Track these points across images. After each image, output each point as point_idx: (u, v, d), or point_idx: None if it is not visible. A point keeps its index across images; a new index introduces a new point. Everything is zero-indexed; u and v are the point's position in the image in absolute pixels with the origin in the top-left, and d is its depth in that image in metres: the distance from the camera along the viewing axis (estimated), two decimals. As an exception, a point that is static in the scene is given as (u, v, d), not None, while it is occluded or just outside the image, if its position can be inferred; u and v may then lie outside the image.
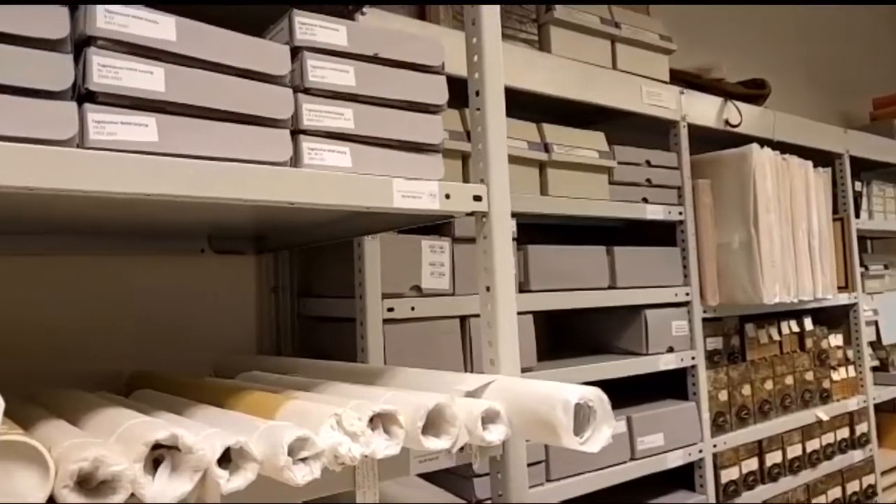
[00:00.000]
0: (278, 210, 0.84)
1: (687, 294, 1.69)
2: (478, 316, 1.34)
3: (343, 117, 0.75)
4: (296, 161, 0.72)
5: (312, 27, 0.74)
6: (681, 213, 1.69)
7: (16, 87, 0.56)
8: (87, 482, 0.52)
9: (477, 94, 0.85)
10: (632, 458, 1.51)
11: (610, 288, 1.54)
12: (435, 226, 1.18)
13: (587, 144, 1.52)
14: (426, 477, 1.23)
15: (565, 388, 0.70)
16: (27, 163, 0.54)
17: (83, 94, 0.60)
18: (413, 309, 1.22)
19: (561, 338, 1.84)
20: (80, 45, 0.61)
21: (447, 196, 0.81)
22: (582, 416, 0.69)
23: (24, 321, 1.08)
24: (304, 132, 0.73)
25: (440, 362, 1.26)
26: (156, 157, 0.61)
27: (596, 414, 0.69)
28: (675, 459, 1.58)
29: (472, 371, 1.31)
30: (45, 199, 0.67)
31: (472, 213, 0.84)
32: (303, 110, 0.72)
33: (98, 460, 0.51)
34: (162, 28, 0.63)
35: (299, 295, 1.40)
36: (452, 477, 1.30)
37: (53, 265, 1.12)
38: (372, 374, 0.90)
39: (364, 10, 1.14)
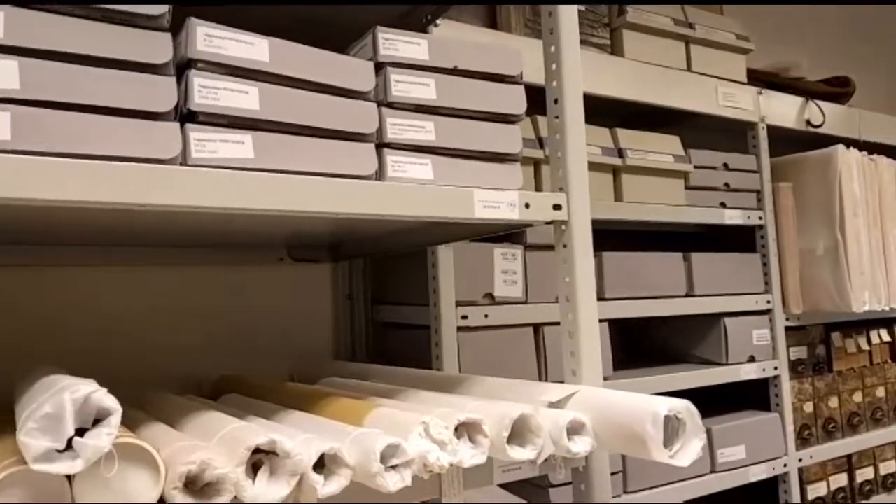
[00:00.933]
0: (356, 220, 0.86)
1: (768, 302, 1.63)
2: (552, 324, 1.34)
3: (424, 130, 0.76)
4: (380, 174, 0.74)
5: (395, 42, 0.76)
6: (761, 218, 1.64)
7: (125, 109, 0.59)
8: (193, 484, 0.55)
9: (556, 102, 0.85)
10: (712, 471, 1.47)
11: (687, 296, 1.51)
12: (507, 234, 1.19)
13: (662, 148, 1.49)
14: (502, 486, 1.23)
15: (654, 401, 0.69)
16: (138, 181, 0.57)
17: (185, 115, 0.63)
18: (486, 317, 1.23)
19: (634, 346, 1.81)
20: (182, 67, 0.64)
21: (527, 205, 0.81)
22: (671, 429, 0.68)
23: (117, 328, 1.14)
24: (388, 145, 0.74)
25: (514, 370, 1.26)
26: (253, 172, 0.63)
27: (685, 426, 0.68)
28: (757, 473, 1.53)
29: (546, 380, 1.31)
30: (148, 214, 0.71)
31: (551, 222, 0.84)
32: (386, 124, 0.74)
33: (205, 463, 0.54)
34: (256, 49, 0.66)
35: (373, 302, 1.42)
36: (527, 486, 1.29)
37: (143, 275, 1.18)
38: (450, 382, 0.91)
39: (437, 21, 1.15)
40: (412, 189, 0.73)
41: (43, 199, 0.53)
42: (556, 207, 0.83)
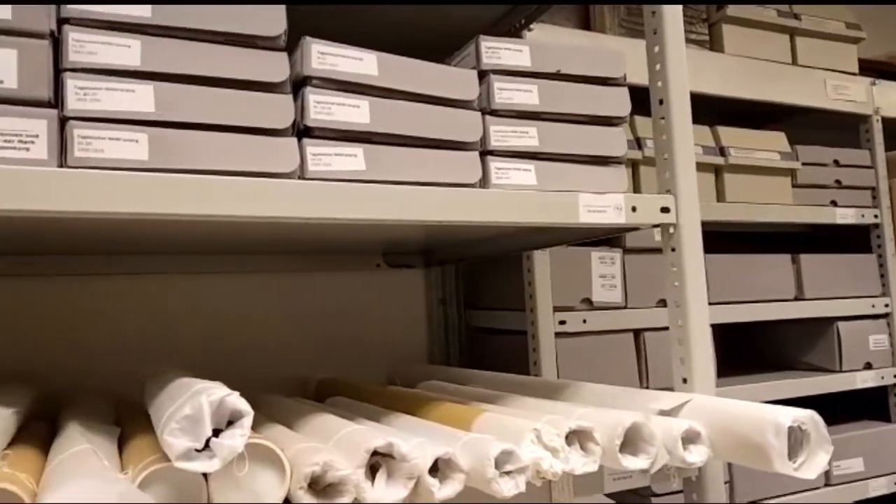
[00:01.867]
0: (458, 227, 0.87)
1: (886, 305, 1.53)
2: (653, 329, 1.31)
3: (528, 135, 0.77)
4: (484, 181, 0.74)
5: (498, 51, 0.76)
6: (876, 216, 1.54)
7: (248, 127, 0.63)
8: (315, 484, 0.57)
9: (661, 102, 0.83)
10: (826, 484, 1.39)
11: (796, 299, 1.44)
12: (604, 238, 1.17)
13: (766, 146, 1.42)
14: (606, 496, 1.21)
15: (775, 410, 0.66)
16: (266, 195, 0.60)
17: (301, 130, 0.66)
18: (585, 322, 1.21)
19: (733, 352, 1.73)
20: (297, 84, 0.67)
21: (633, 209, 0.79)
22: (794, 440, 0.65)
23: (222, 333, 1.20)
24: (492, 153, 0.75)
25: (613, 377, 1.24)
26: (366, 184, 0.65)
27: (809, 438, 0.65)
28: (878, 488, 1.43)
29: (647, 387, 1.28)
30: (261, 225, 0.74)
31: (658, 225, 0.82)
32: (490, 131, 0.75)
33: (328, 465, 0.56)
34: (366, 64, 0.68)
35: (466, 307, 1.43)
36: (628, 495, 1.26)
37: (246, 282, 1.23)
38: (552, 388, 0.90)
39: (531, 26, 1.15)
40: (516, 196, 0.73)
41: (186, 215, 0.57)
42: (664, 210, 0.81)
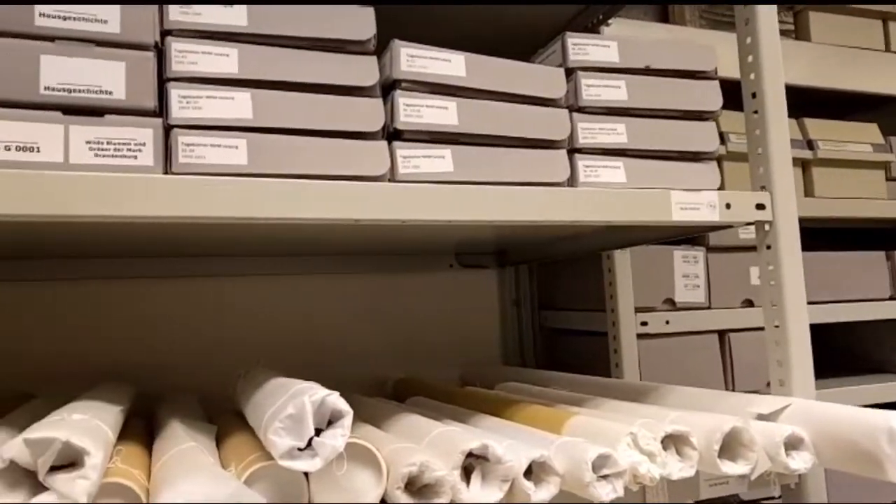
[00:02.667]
0: (535, 226, 0.86)
1: None
2: (738, 330, 1.27)
3: (616, 132, 0.75)
4: (572, 180, 0.73)
5: (585, 47, 0.75)
6: (981, 210, 1.44)
7: (340, 131, 0.63)
8: (411, 485, 0.57)
9: (753, 96, 0.80)
10: (928, 495, 1.31)
11: (892, 298, 1.36)
12: (687, 236, 1.14)
13: (858, 138, 1.35)
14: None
15: (886, 416, 0.62)
16: (357, 198, 0.61)
17: (391, 133, 0.66)
18: (668, 323, 1.18)
19: (824, 354, 1.66)
20: (386, 87, 0.68)
21: (727, 206, 0.77)
22: (907, 448, 0.61)
23: (304, 334, 1.22)
24: (579, 150, 0.74)
25: (697, 379, 1.20)
26: (455, 185, 0.65)
27: (927, 446, 0.61)
28: None
29: (734, 390, 1.23)
30: (344, 227, 0.75)
31: (753, 223, 0.79)
32: (578, 129, 0.74)
33: (424, 465, 0.56)
34: (454, 65, 0.68)
35: (540, 307, 1.42)
36: (717, 503, 1.22)
37: (323, 283, 1.25)
38: (638, 391, 0.88)
39: (609, 21, 1.13)
40: (607, 194, 0.71)
41: (283, 218, 0.58)
42: (760, 207, 0.78)
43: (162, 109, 0.59)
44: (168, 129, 0.58)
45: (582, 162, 0.73)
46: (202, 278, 1.14)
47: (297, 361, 1.20)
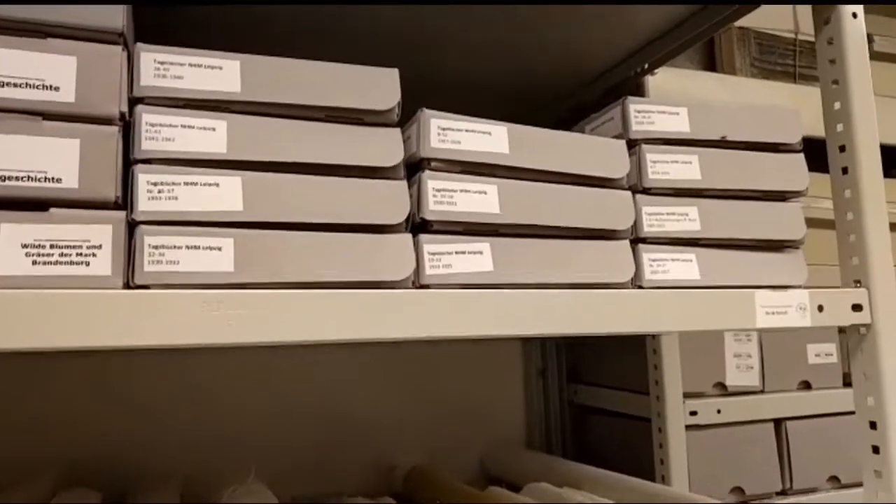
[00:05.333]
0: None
1: None
2: (796, 418, 1.12)
3: (688, 218, 0.62)
4: (636, 277, 0.60)
5: (649, 114, 0.62)
6: None
7: (351, 224, 0.50)
8: None
9: (841, 150, 0.67)
10: None
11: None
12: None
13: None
14: None
15: None
16: (371, 312, 0.47)
17: (416, 224, 0.53)
18: (719, 412, 1.04)
19: None
20: (412, 166, 0.55)
21: (819, 308, 0.63)
22: None
23: (310, 405, 1.08)
24: (644, 240, 0.60)
25: (751, 474, 1.05)
26: (495, 291, 0.52)
27: None
28: None
29: (791, 486, 1.08)
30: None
31: (847, 328, 0.66)
32: (642, 214, 0.60)
33: None
34: (495, 139, 0.55)
35: (569, 380, 1.27)
36: None
37: (329, 353, 1.12)
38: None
39: (656, 70, 1.00)
40: (680, 298, 0.58)
41: (278, 342, 0.45)
42: (856, 308, 0.65)
43: (126, 200, 0.46)
44: (132, 226, 0.45)
45: (648, 255, 0.60)
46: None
47: (298, 439, 1.06)
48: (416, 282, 0.52)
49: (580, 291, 0.54)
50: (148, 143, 0.46)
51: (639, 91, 1.03)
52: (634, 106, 0.62)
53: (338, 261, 0.49)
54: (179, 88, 0.48)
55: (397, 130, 0.53)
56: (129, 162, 0.47)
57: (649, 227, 0.60)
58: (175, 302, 0.43)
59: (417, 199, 0.53)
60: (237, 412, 1.03)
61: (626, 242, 0.59)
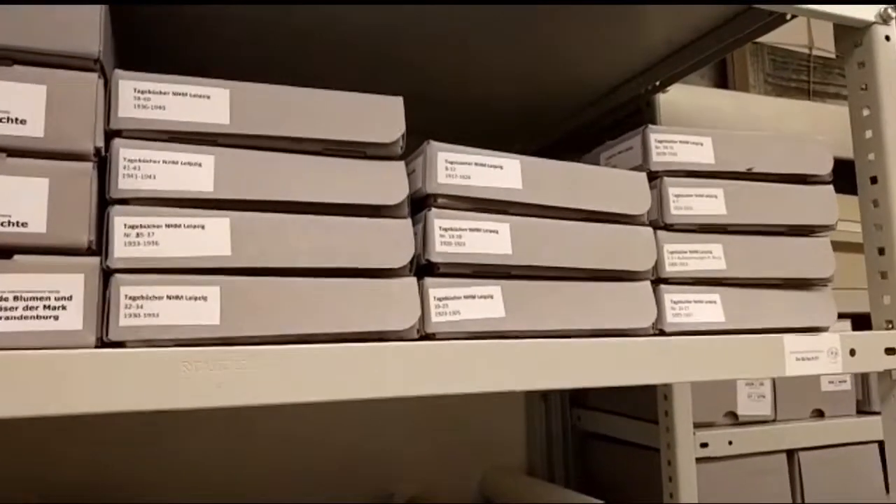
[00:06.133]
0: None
1: None
2: (809, 449, 1.08)
3: (712, 256, 0.57)
4: (657, 320, 0.55)
5: (672, 144, 0.58)
6: None
7: (349, 269, 0.46)
8: None
9: (873, 181, 0.63)
10: None
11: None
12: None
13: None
14: None
15: None
16: (369, 368, 0.43)
17: (421, 266, 0.49)
18: (731, 444, 0.99)
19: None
20: (417, 202, 0.50)
21: (852, 352, 0.59)
22: None
23: (301, 434, 1.04)
24: (666, 281, 0.56)
25: (763, 507, 1.01)
26: (507, 342, 0.47)
27: None
28: None
29: (804, 520, 1.04)
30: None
31: (882, 373, 0.61)
32: (664, 253, 0.56)
33: None
34: (507, 174, 0.51)
35: (572, 405, 1.23)
36: None
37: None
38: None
39: (667, 88, 0.96)
40: (705, 346, 0.53)
41: (266, 404, 0.40)
42: (889, 352, 0.60)
43: (100, 245, 0.41)
44: (107, 275, 0.41)
45: (669, 296, 0.55)
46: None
47: (296, 466, 1.02)
48: (421, 330, 0.47)
49: (599, 341, 0.50)
50: (126, 182, 0.42)
51: (649, 109, 0.99)
52: (655, 135, 0.57)
53: (335, 310, 0.45)
54: (162, 120, 0.43)
55: (401, 164, 0.49)
56: (105, 203, 0.42)
57: (671, 267, 0.56)
58: (154, 362, 0.39)
59: (423, 240, 0.48)
60: (230, 439, 0.98)
61: (648, 284, 0.55)
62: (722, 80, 1.13)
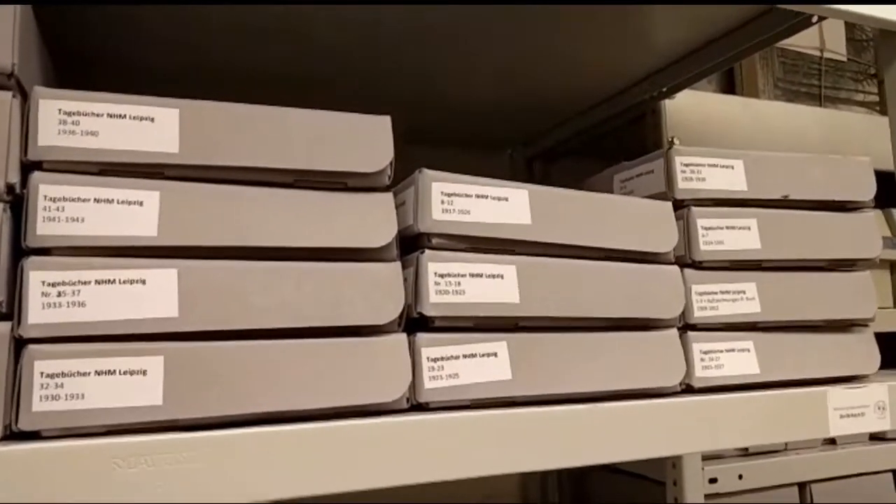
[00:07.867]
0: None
1: None
2: (820, 481, 1.02)
3: (745, 297, 0.50)
4: (685, 375, 0.48)
5: (699, 168, 0.50)
6: None
7: (325, 328, 0.38)
8: None
9: None
10: None
11: None
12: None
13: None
14: None
15: None
16: (336, 459, 0.35)
17: (411, 321, 0.41)
18: (741, 478, 0.93)
19: None
20: (406, 242, 0.42)
21: (900, 405, 0.52)
22: None
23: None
24: (694, 327, 0.49)
25: (773, 543, 0.95)
26: (512, 411, 0.40)
27: None
28: None
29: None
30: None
31: (931, 425, 0.54)
32: (692, 295, 0.49)
33: None
34: (513, 206, 0.43)
35: (570, 426, 1.16)
36: None
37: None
38: None
39: (674, 94, 0.89)
40: (739, 406, 0.46)
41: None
42: (941, 403, 0.53)
43: (12, 308, 0.33)
44: (19, 345, 0.33)
45: (698, 346, 0.48)
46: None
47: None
48: (412, 399, 0.39)
49: (624, 406, 0.42)
50: (46, 226, 0.34)
51: (654, 116, 0.92)
52: (681, 158, 0.50)
53: (306, 380, 0.37)
54: (93, 149, 0.35)
55: (389, 197, 0.41)
56: (20, 253, 0.34)
57: (700, 311, 0.48)
58: (76, 457, 0.31)
59: (414, 288, 0.40)
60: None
61: (675, 333, 0.47)
62: (729, 85, 1.06)
